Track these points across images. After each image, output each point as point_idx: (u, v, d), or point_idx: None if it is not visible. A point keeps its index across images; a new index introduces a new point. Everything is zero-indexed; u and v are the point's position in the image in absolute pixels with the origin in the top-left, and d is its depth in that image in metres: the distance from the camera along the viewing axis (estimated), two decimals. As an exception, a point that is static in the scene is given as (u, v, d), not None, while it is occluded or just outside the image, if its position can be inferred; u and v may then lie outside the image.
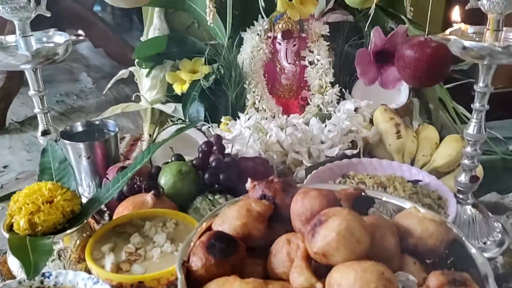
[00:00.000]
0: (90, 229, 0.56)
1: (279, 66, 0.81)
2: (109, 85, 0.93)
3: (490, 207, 0.80)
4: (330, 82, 0.79)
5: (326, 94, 0.78)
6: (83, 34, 0.55)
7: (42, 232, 0.49)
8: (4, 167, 1.03)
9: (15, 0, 0.52)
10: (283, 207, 0.42)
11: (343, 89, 0.79)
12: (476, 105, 0.56)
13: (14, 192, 0.87)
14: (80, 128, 0.73)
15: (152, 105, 0.86)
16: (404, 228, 0.41)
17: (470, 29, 0.57)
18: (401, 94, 0.80)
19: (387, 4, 0.84)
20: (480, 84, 0.54)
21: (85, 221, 0.53)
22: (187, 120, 0.79)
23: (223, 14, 0.80)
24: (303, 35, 0.79)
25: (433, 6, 0.87)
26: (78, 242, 0.53)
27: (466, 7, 0.54)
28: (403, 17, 0.82)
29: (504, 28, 0.53)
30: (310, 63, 0.80)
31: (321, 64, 0.79)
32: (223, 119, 0.76)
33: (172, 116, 0.86)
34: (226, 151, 0.66)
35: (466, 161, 0.58)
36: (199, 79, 0.80)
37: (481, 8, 0.52)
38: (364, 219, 0.38)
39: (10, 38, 0.56)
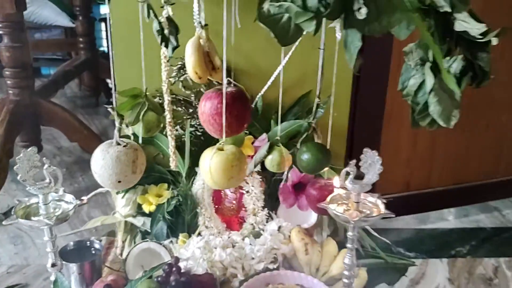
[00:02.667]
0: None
1: (223, 192, 1.09)
2: (88, 196, 1.17)
3: (382, 296, 1.10)
4: (261, 206, 1.08)
5: (258, 216, 1.07)
6: (86, 199, 0.81)
7: None
8: (-4, 260, 1.23)
9: (41, 182, 0.77)
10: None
11: (271, 212, 1.08)
12: (348, 245, 0.85)
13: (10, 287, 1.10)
14: (72, 246, 0.97)
15: (125, 218, 1.10)
16: None
17: (344, 194, 0.87)
18: (312, 215, 1.09)
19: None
20: (350, 233, 0.84)
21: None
22: (153, 235, 1.04)
23: (183, 150, 1.08)
24: (241, 171, 1.08)
25: (335, 145, 1.19)
26: None
27: (339, 186, 0.84)
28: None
29: (362, 196, 0.84)
30: (247, 191, 1.08)
31: (255, 193, 1.07)
32: (180, 236, 1.03)
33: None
34: (183, 265, 0.92)
35: (345, 280, 0.87)
36: (163, 203, 1.06)
37: (347, 188, 0.82)
38: None
39: (33, 200, 0.81)
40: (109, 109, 0.72)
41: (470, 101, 1.39)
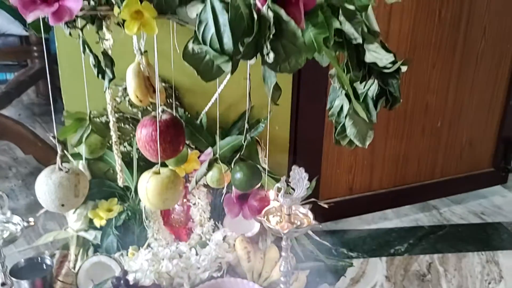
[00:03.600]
0: None
1: (171, 205, 1.15)
2: (39, 213, 1.20)
3: (324, 294, 1.18)
4: (208, 217, 1.14)
5: (204, 226, 1.13)
6: (33, 220, 0.85)
7: None
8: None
9: (-13, 207, 0.81)
10: None
11: (217, 222, 1.14)
12: (283, 254, 0.92)
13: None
14: (23, 263, 1.01)
15: (77, 233, 1.14)
16: None
17: (278, 206, 0.94)
18: (256, 224, 1.16)
19: (247, 155, 1.21)
20: (283, 242, 0.91)
21: None
22: (104, 249, 1.09)
23: (132, 165, 1.13)
24: (187, 184, 1.14)
25: (279, 156, 1.26)
26: None
27: (273, 198, 0.91)
28: (259, 166, 1.19)
29: (293, 208, 0.91)
30: (194, 203, 1.14)
31: (201, 205, 1.13)
32: (130, 249, 1.08)
33: (92, 240, 1.15)
34: (132, 277, 0.97)
35: (282, 285, 0.95)
36: (113, 217, 1.11)
37: (279, 202, 0.89)
38: None
39: (-21, 223, 0.85)
40: (51, 138, 0.77)
41: (406, 109, 1.49)
